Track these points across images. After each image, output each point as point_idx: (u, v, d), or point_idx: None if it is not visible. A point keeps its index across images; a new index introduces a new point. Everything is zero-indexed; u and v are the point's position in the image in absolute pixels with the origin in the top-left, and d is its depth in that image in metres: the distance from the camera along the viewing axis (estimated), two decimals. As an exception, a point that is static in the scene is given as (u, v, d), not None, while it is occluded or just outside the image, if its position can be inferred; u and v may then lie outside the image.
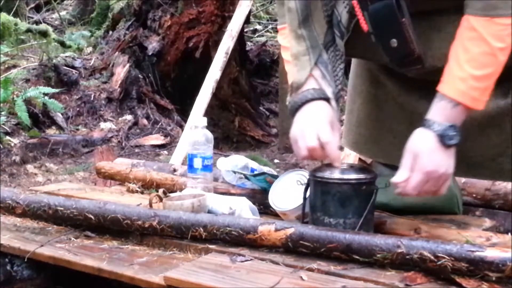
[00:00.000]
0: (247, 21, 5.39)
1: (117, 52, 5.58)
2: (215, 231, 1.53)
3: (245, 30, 6.15)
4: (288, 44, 1.62)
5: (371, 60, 1.75)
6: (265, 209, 1.82)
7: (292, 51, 1.60)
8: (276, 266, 1.40)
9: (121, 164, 2.43)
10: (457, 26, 1.45)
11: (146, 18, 5.66)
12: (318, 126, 1.51)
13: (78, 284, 1.68)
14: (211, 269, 1.39)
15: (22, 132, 4.66)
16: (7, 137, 4.50)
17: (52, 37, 5.75)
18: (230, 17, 4.98)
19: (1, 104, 4.62)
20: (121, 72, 5.39)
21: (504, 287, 1.23)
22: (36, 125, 4.82)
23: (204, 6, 5.31)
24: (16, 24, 5.57)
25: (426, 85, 1.57)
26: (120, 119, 5.24)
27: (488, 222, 1.69)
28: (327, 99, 1.56)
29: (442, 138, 1.43)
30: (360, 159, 2.70)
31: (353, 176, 1.52)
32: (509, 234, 1.57)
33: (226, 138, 5.56)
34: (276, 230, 1.46)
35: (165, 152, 4.90)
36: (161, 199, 1.80)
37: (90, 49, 6.08)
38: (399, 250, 1.32)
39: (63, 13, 8.46)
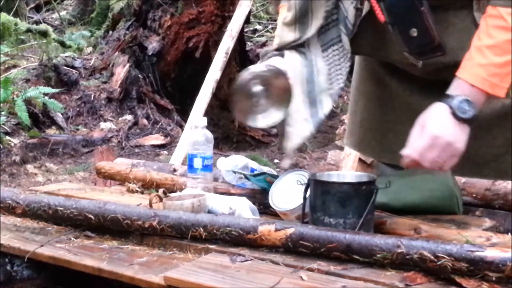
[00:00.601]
0: (247, 21, 5.39)
1: (117, 52, 5.58)
2: (215, 231, 1.52)
3: (245, 30, 6.16)
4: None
5: (377, 57, 1.75)
6: (265, 209, 1.82)
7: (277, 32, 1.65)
8: (276, 266, 1.40)
9: (121, 164, 2.43)
10: (464, 22, 1.46)
11: (146, 18, 5.66)
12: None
13: (78, 284, 1.68)
14: (211, 269, 1.39)
15: (22, 132, 4.66)
16: (7, 137, 4.51)
17: (52, 37, 5.74)
18: (230, 17, 4.98)
19: (1, 104, 4.62)
20: (121, 72, 5.39)
21: (504, 287, 1.23)
22: (36, 125, 4.82)
23: (204, 6, 5.31)
24: (16, 24, 5.57)
25: (430, 84, 1.57)
26: (120, 119, 5.24)
27: (488, 222, 1.69)
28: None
29: (455, 110, 1.41)
30: (360, 159, 2.70)
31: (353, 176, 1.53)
32: (509, 234, 1.57)
33: (226, 138, 5.56)
34: (276, 230, 1.46)
35: (165, 152, 4.90)
36: (161, 199, 1.80)
37: (90, 49, 6.09)
38: (399, 250, 1.32)
39: (63, 13, 8.46)
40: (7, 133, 4.54)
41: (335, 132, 4.96)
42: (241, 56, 5.69)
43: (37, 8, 8.64)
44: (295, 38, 1.62)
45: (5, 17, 5.56)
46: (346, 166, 2.93)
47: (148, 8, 5.63)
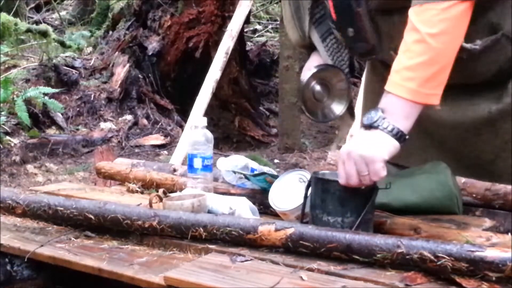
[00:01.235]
0: (247, 21, 5.39)
1: (117, 52, 5.58)
2: (215, 231, 1.52)
3: (245, 30, 6.16)
4: None
5: (371, 58, 1.76)
6: (265, 209, 1.82)
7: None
8: (276, 266, 1.40)
9: (121, 164, 2.42)
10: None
11: (146, 18, 5.66)
12: None
13: (78, 284, 1.68)
14: (211, 269, 1.39)
15: (22, 132, 4.67)
16: (7, 137, 4.51)
17: (52, 37, 5.75)
18: (230, 17, 4.98)
19: (1, 104, 4.62)
20: (121, 72, 5.40)
21: (504, 287, 1.23)
22: (36, 125, 4.82)
23: (204, 6, 5.32)
24: (16, 24, 5.58)
25: None
26: (120, 119, 5.25)
27: (488, 222, 1.69)
28: None
29: (363, 121, 1.44)
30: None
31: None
32: (509, 234, 1.57)
33: (226, 138, 5.57)
34: (276, 230, 1.46)
35: (165, 152, 4.91)
36: (161, 199, 1.80)
37: (90, 49, 6.09)
38: (399, 250, 1.31)
39: (63, 13, 8.47)
40: (7, 133, 4.55)
41: (335, 132, 4.96)
42: (241, 56, 5.70)
43: (37, 8, 8.65)
44: (299, 37, 1.69)
45: (5, 17, 5.57)
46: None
47: (148, 8, 5.64)
